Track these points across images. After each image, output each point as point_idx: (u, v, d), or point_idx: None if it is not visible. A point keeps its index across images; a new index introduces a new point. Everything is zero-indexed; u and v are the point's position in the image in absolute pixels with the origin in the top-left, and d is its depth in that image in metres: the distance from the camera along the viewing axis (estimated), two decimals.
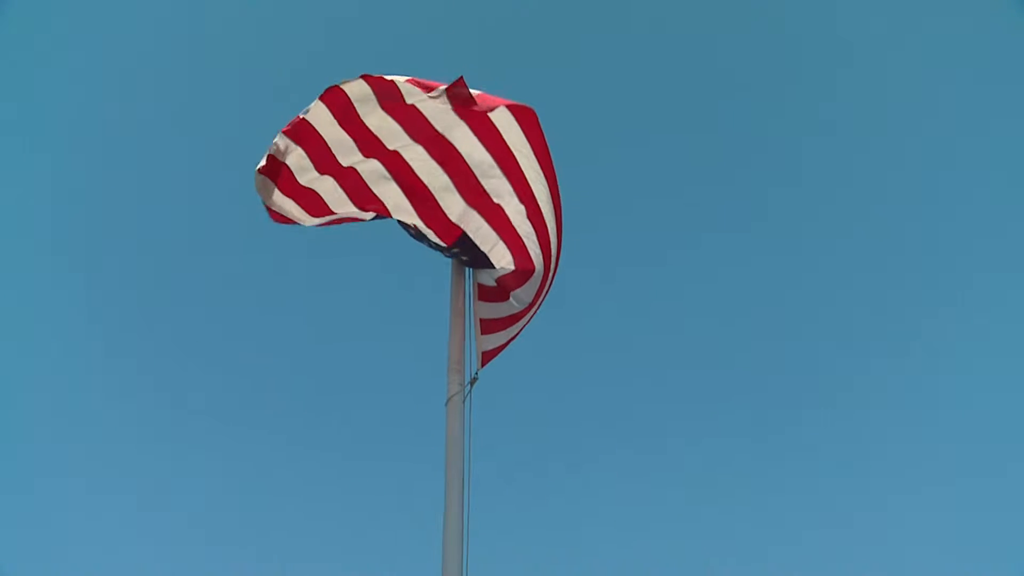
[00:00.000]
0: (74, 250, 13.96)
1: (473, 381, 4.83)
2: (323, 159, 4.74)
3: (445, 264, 5.11)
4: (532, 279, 4.92)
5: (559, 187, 4.70)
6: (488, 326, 5.07)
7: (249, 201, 4.77)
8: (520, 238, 4.85)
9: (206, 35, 15.08)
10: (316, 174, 4.79)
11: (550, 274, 4.95)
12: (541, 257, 4.85)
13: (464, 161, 4.74)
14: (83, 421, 12.96)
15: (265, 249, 15.10)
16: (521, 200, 4.75)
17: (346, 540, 12.34)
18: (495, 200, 4.81)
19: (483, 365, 5.04)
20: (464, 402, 4.73)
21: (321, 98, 4.55)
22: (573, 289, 5.31)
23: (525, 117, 4.49)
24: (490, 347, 5.09)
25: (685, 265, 15.70)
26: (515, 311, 5.10)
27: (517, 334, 5.24)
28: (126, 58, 14.58)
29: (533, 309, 5.14)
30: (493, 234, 4.91)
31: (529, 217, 4.78)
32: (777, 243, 15.40)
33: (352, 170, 4.84)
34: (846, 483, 12.78)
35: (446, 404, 4.73)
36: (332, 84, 4.54)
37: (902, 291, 14.30)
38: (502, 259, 4.93)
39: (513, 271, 4.92)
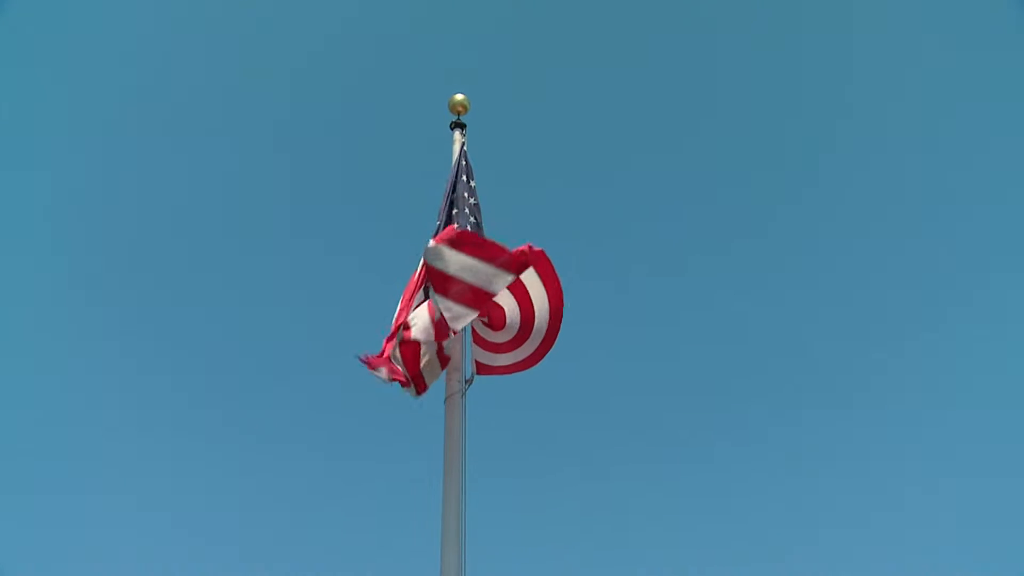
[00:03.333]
0: (75, 251, 14.01)
1: (469, 381, 4.88)
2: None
3: None
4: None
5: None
6: (480, 342, 5.13)
7: (248, 203, 4.78)
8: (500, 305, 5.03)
9: (205, 35, 15.14)
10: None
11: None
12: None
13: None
14: (83, 421, 13.03)
15: (264, 251, 15.16)
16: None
17: (345, 538, 12.39)
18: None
19: (477, 373, 5.04)
20: (462, 400, 4.76)
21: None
22: (578, 294, 5.31)
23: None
24: (482, 360, 5.14)
25: (692, 267, 15.76)
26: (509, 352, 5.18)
27: (508, 372, 5.26)
28: (125, 58, 14.63)
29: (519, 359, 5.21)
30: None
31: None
32: (789, 246, 15.48)
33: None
34: (862, 483, 12.81)
35: (445, 402, 4.78)
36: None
37: (916, 293, 14.34)
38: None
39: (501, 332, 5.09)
